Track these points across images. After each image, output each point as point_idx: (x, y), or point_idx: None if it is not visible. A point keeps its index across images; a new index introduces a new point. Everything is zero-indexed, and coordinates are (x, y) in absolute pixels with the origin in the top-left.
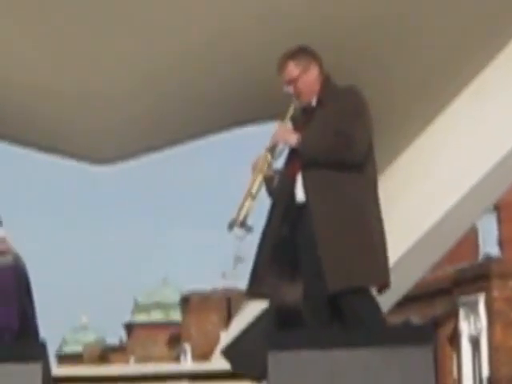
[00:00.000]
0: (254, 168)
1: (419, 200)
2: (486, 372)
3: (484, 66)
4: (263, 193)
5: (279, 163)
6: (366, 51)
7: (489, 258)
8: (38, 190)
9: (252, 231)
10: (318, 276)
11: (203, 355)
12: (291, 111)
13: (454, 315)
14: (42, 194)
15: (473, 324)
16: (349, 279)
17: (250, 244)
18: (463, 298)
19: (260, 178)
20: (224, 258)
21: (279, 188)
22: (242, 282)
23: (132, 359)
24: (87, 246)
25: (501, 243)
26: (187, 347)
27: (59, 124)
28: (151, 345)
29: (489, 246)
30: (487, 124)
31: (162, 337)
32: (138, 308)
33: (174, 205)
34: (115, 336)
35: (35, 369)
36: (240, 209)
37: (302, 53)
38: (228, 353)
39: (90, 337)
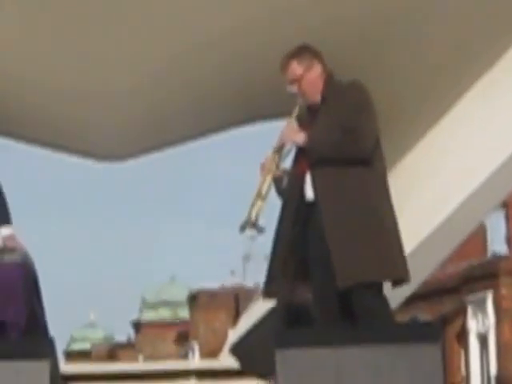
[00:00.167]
0: (263, 169)
1: (427, 198)
2: (493, 369)
3: (491, 66)
4: (273, 193)
5: (287, 163)
6: (373, 50)
7: (497, 256)
8: (47, 187)
9: (264, 231)
10: (328, 273)
11: (211, 353)
12: (296, 110)
13: (462, 313)
14: (50, 192)
15: (481, 322)
16: (359, 275)
17: (258, 242)
18: (471, 296)
19: (269, 178)
20: (232, 255)
21: (289, 187)
22: (249, 280)
23: (140, 357)
24: (96, 244)
25: (509, 241)
26: (195, 345)
27: (68, 122)
28: (159, 342)
29: (497, 243)
30: (495, 122)
31: (170, 334)
32: (146, 306)
33: (182, 203)
34: (123, 333)
35: (43, 366)
36: (251, 210)
37: (304, 51)
38: (236, 350)
39: (99, 334)
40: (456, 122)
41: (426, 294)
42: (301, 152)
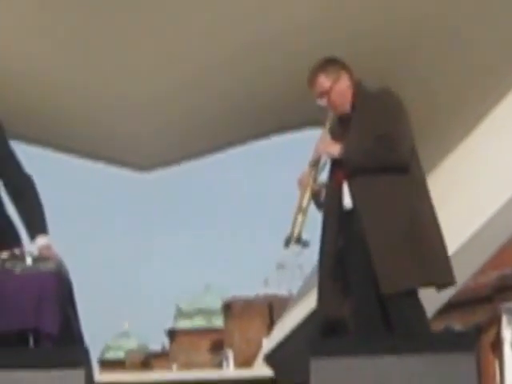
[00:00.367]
0: (301, 184)
1: (462, 206)
2: None
3: None
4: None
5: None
6: (408, 57)
7: None
8: (80, 196)
9: (308, 246)
10: (368, 281)
11: (245, 362)
12: (328, 123)
13: (496, 322)
14: (83, 200)
15: None
16: (403, 281)
17: (292, 252)
18: (506, 305)
19: (308, 192)
20: (266, 264)
21: (327, 200)
22: (283, 289)
23: (174, 366)
24: (130, 253)
25: None
26: (229, 353)
27: (102, 130)
28: (194, 351)
29: None
30: None
31: (205, 343)
32: (181, 314)
33: (215, 212)
34: (158, 342)
35: (78, 375)
36: (293, 225)
37: (330, 64)
38: (270, 359)
39: (133, 343)
40: (494, 127)
41: (458, 304)
42: (336, 163)
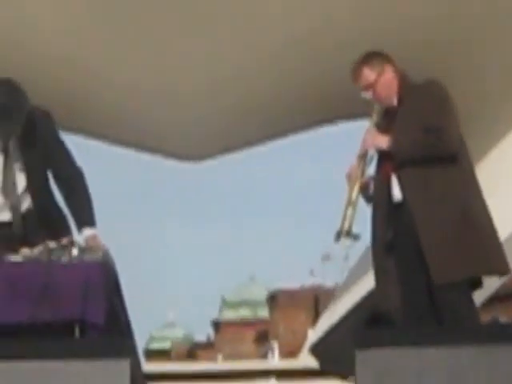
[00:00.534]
0: (350, 178)
1: (507, 197)
2: None
3: None
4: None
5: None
6: (456, 50)
7: None
8: (126, 186)
9: (359, 239)
10: (418, 272)
11: (290, 353)
12: (375, 116)
13: None
14: (129, 190)
15: None
16: (456, 271)
17: (343, 245)
18: None
19: (357, 186)
20: (311, 256)
21: (376, 193)
22: (329, 280)
23: (220, 356)
24: (175, 243)
25: None
26: (275, 344)
27: (151, 120)
28: (239, 342)
29: None
30: None
31: (250, 334)
32: (226, 305)
33: (261, 203)
34: (203, 333)
35: (124, 365)
36: (343, 219)
37: (373, 57)
38: (316, 350)
39: (178, 334)
40: None
41: (503, 296)
42: (384, 156)
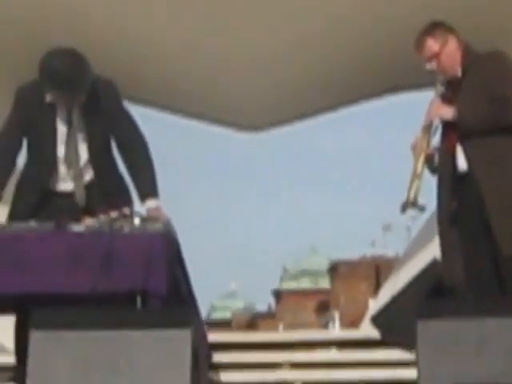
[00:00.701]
0: (415, 149)
1: None
2: None
3: None
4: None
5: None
6: None
7: None
8: (189, 157)
9: (425, 210)
10: (484, 243)
11: (352, 323)
12: (439, 87)
13: None
14: (192, 161)
15: None
16: None
17: (409, 216)
18: None
19: (422, 157)
20: (372, 226)
21: (441, 163)
22: (390, 250)
23: (280, 326)
24: (237, 214)
25: None
26: (336, 314)
27: (215, 91)
28: (300, 312)
29: None
30: None
31: (311, 304)
32: (287, 275)
33: (322, 174)
34: (264, 303)
35: (185, 334)
36: (409, 190)
37: (436, 27)
38: (377, 321)
39: (239, 303)
40: None
41: None
42: (448, 127)
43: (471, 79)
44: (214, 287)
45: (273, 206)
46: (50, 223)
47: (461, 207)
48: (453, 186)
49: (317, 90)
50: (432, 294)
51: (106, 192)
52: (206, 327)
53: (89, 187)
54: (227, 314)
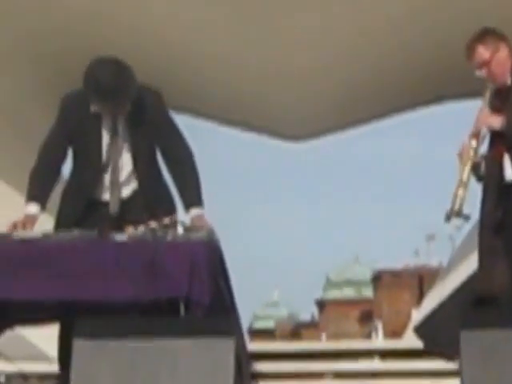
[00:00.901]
0: (461, 157)
1: None
2: None
3: None
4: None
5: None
6: None
7: None
8: (232, 165)
9: (469, 219)
10: None
11: (395, 332)
12: (488, 95)
13: None
14: (236, 170)
15: None
16: None
17: (454, 226)
18: None
19: (469, 165)
20: (416, 235)
21: (487, 172)
22: (434, 260)
23: (324, 335)
24: (280, 222)
25: None
26: (379, 324)
27: (256, 101)
28: (343, 321)
29: None
30: None
31: (354, 313)
32: (330, 284)
33: (365, 182)
34: (307, 312)
35: (229, 344)
36: (454, 199)
37: (488, 34)
38: (420, 330)
39: (282, 313)
40: None
41: None
42: (496, 136)
43: None
44: (257, 296)
45: (316, 215)
46: (93, 232)
47: (505, 217)
48: (498, 195)
49: (359, 101)
50: (476, 304)
51: (150, 201)
52: (248, 336)
53: (133, 197)
54: (270, 324)
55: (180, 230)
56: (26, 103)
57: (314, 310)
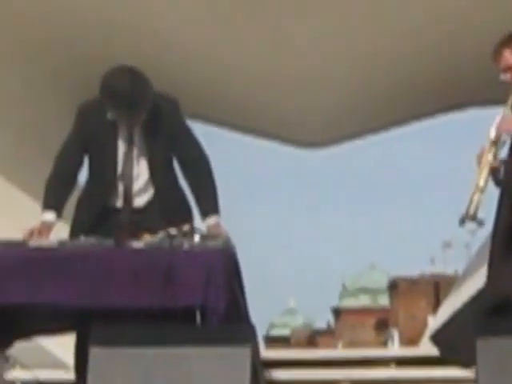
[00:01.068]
0: (480, 161)
1: None
2: None
3: None
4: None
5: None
6: None
7: None
8: (250, 173)
9: (484, 224)
10: None
11: (411, 340)
12: (511, 100)
13: None
14: (252, 178)
15: None
16: None
17: (468, 230)
18: None
19: (487, 170)
20: (432, 243)
21: (506, 177)
22: (450, 268)
23: (340, 343)
24: (295, 230)
25: None
26: (395, 332)
27: (269, 108)
28: (359, 329)
29: None
30: None
31: (370, 321)
32: (346, 292)
33: (381, 190)
34: (323, 320)
35: (245, 352)
36: (470, 203)
37: None
38: (436, 338)
39: (298, 320)
40: None
41: None
42: None
43: None
44: (273, 304)
45: (332, 222)
46: (109, 240)
47: None
48: None
49: (373, 109)
50: (492, 312)
51: (167, 209)
52: (264, 344)
53: (149, 204)
54: (286, 331)
55: (196, 237)
56: (41, 112)
57: (330, 317)
